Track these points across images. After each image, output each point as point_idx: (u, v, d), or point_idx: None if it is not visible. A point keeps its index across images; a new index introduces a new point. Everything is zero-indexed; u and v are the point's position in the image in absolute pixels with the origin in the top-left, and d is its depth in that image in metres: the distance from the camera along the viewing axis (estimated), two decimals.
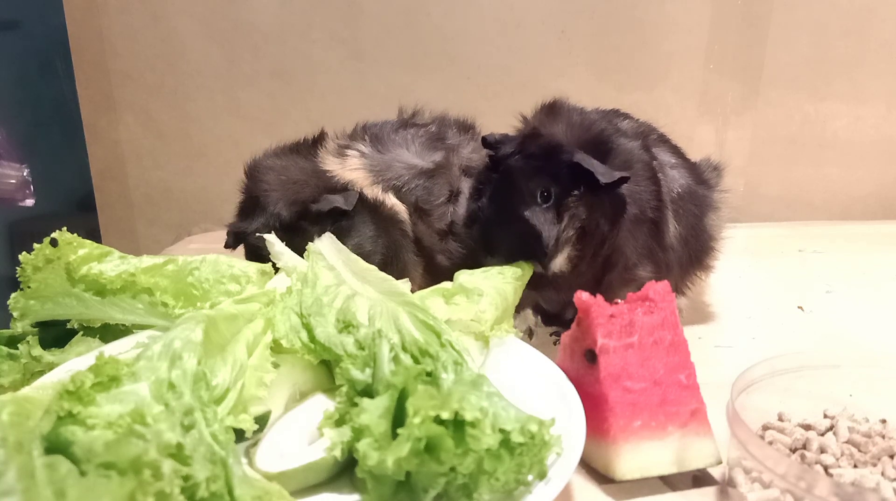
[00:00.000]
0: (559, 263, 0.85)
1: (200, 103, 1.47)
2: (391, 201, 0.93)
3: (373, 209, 0.92)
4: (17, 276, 0.76)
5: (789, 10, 1.42)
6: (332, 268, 0.76)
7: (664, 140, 0.99)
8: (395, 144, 0.97)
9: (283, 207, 0.89)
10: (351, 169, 0.93)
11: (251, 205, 0.92)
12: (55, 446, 0.49)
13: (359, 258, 0.79)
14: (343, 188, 0.91)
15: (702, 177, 0.99)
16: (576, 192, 0.83)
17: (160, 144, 1.50)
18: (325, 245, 0.80)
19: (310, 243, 0.81)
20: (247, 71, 1.45)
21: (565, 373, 0.71)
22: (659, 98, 1.47)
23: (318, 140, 0.97)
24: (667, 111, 1.46)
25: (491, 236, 0.86)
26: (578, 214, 0.83)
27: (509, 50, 1.44)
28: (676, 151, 0.99)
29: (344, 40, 1.43)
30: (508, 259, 0.85)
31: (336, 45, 1.43)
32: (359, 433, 0.57)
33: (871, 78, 1.48)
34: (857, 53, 1.46)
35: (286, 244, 0.82)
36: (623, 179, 0.82)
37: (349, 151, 0.95)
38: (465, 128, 1.05)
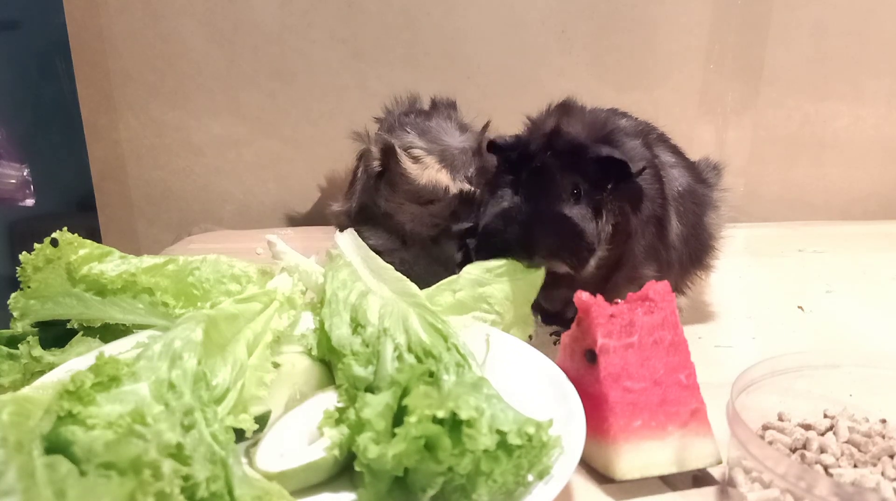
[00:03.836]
0: (593, 261, 0.83)
1: (200, 103, 1.46)
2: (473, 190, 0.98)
3: (467, 203, 0.97)
4: (17, 276, 0.76)
5: (789, 10, 1.42)
6: (349, 264, 0.77)
7: (663, 139, 1.00)
8: (437, 131, 1.02)
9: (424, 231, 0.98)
10: (436, 171, 0.97)
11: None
12: (55, 446, 0.49)
13: (376, 256, 0.79)
14: (446, 193, 0.97)
15: (701, 176, 0.99)
16: (609, 186, 0.83)
17: (160, 144, 1.49)
18: (346, 241, 0.80)
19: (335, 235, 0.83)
20: (247, 71, 1.44)
21: (565, 373, 0.71)
22: (659, 98, 1.47)
23: (392, 154, 0.98)
24: (667, 111, 1.45)
25: (532, 236, 0.82)
26: (613, 209, 0.83)
27: (509, 50, 1.44)
28: (675, 150, 1.00)
29: (344, 40, 1.43)
30: (550, 259, 0.82)
31: (336, 45, 1.43)
32: (360, 426, 0.57)
33: (871, 78, 1.48)
34: (857, 53, 1.45)
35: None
36: (643, 169, 0.83)
37: (417, 152, 0.98)
38: (451, 105, 1.13)
